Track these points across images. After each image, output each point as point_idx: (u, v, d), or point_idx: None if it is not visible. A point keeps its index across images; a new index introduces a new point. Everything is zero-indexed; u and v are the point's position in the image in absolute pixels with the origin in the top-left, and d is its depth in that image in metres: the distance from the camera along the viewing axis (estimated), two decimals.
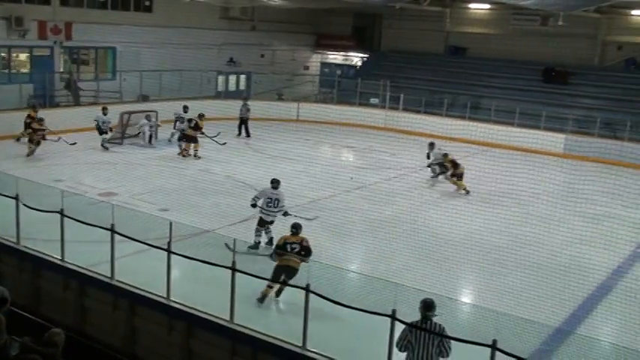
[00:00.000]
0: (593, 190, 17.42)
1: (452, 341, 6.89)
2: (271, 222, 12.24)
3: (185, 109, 21.98)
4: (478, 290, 11.45)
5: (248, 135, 24.57)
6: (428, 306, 6.88)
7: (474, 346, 6.70)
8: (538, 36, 30.83)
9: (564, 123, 26.20)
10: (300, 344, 7.82)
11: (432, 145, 19.40)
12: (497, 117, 27.48)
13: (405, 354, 7.00)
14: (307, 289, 7.70)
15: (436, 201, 16.72)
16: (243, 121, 24.81)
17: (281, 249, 9.75)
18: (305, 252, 9.66)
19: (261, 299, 9.49)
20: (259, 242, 12.11)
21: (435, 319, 6.92)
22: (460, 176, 17.76)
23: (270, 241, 12.01)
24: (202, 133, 20.29)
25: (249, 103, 25.44)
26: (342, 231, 13.73)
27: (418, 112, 28.84)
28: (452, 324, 7.20)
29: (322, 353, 7.68)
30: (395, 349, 7.10)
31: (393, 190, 17.43)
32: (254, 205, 12.30)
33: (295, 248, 9.68)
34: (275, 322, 9.42)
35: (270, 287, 9.47)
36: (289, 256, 9.56)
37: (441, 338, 6.79)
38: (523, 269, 11.87)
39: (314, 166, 18.27)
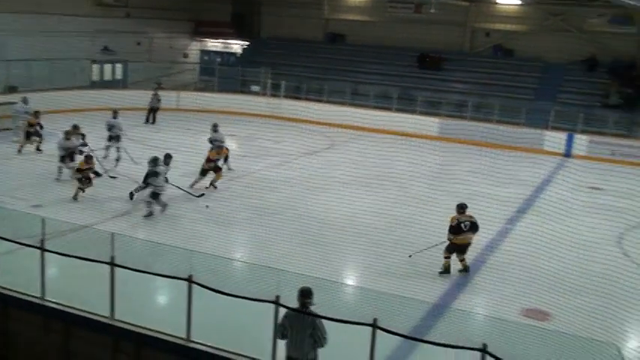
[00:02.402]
0: (466, 170, 18.30)
1: (336, 323, 7.02)
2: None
3: (26, 100, 20.39)
4: (360, 271, 11.77)
5: (154, 122, 25.57)
6: (304, 294, 6.94)
7: (357, 327, 6.86)
8: (412, 23, 31.85)
9: (438, 107, 27.31)
10: (185, 336, 7.73)
11: (215, 126, 18.71)
12: (376, 102, 28.23)
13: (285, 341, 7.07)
14: (190, 280, 7.61)
15: (318, 187, 16.94)
16: (153, 110, 25.51)
17: (457, 229, 11.28)
18: (476, 227, 11.40)
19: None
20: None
21: (316, 304, 6.99)
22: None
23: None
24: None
25: (160, 92, 25.79)
26: (225, 220, 13.67)
27: (300, 98, 29.09)
28: (334, 306, 7.35)
29: (207, 343, 7.63)
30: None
31: (275, 177, 17.51)
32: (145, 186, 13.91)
33: (467, 225, 11.32)
34: (159, 315, 9.25)
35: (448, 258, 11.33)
36: (466, 235, 11.32)
37: (313, 327, 6.81)
38: (402, 249, 12.29)
39: (195, 156, 17.96)
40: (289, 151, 20.38)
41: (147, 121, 25.58)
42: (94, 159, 15.49)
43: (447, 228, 11.58)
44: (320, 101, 28.79)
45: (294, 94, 29.39)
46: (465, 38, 32.10)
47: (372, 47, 32.34)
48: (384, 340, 6.84)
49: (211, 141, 18.06)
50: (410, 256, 11.87)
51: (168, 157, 14.82)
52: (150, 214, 13.67)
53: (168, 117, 25.71)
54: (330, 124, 26.73)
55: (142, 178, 14.33)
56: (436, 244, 11.80)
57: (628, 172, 17.96)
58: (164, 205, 13.93)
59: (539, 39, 29.86)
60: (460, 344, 6.17)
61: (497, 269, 11.83)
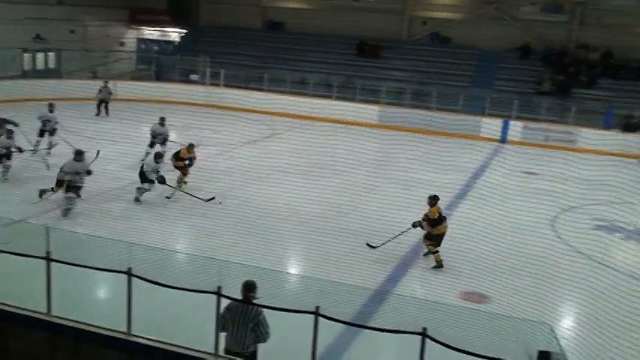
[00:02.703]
0: (405, 157, 18.54)
1: (279, 312, 7.02)
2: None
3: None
4: (302, 260, 11.82)
5: (107, 114, 24.78)
6: (248, 287, 6.92)
7: (300, 315, 6.88)
8: (351, 11, 32.00)
9: (378, 95, 27.56)
10: (125, 330, 7.60)
11: (162, 120, 17.98)
12: (316, 90, 28.28)
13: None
14: (129, 273, 7.48)
15: (259, 176, 16.88)
16: (104, 102, 24.82)
17: (439, 220, 11.62)
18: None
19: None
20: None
21: (260, 297, 6.97)
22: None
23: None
24: None
25: (110, 85, 25.13)
26: (165, 212, 13.49)
27: (240, 87, 28.88)
28: (277, 296, 7.35)
29: (148, 337, 7.53)
30: None
31: (215, 167, 17.36)
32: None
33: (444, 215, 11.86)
34: (98, 310, 9.08)
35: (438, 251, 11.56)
36: (443, 224, 11.72)
37: (256, 322, 6.79)
38: (344, 236, 12.39)
39: (134, 147, 17.64)
40: (229, 141, 20.22)
41: (98, 113, 24.71)
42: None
43: (422, 220, 11.77)
44: (260, 90, 28.65)
45: (235, 82, 29.15)
46: (402, 26, 32.44)
47: (311, 35, 32.35)
48: (327, 328, 6.89)
49: (155, 135, 17.66)
50: (375, 247, 11.98)
51: (159, 157, 14.32)
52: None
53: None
54: (270, 113, 26.64)
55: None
56: (402, 232, 11.93)
57: (560, 156, 18.53)
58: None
59: (475, 27, 30.47)
60: (401, 329, 6.27)
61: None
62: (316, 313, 6.62)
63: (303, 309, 6.87)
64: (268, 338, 6.88)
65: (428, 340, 6.27)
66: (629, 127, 24.89)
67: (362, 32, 31.65)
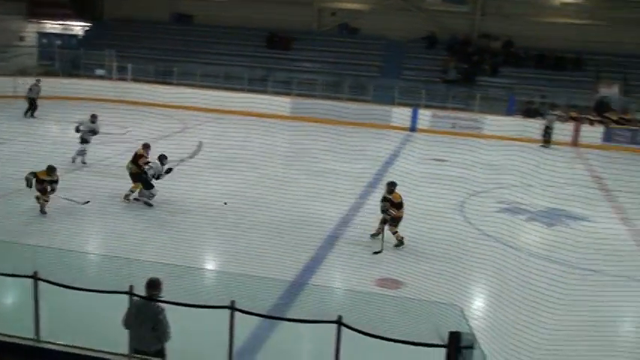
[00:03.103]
0: (318, 148, 18.70)
1: (193, 309, 6.95)
2: None
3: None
4: (218, 255, 11.73)
5: (33, 115, 23.47)
6: (150, 285, 6.79)
7: (216, 311, 6.83)
8: (261, 3, 31.85)
9: (290, 87, 27.62)
10: (34, 337, 7.34)
11: (93, 117, 17.46)
12: (228, 84, 28.03)
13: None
14: (35, 277, 7.21)
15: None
16: (34, 100, 23.67)
17: (400, 204, 12.04)
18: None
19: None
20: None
21: (164, 296, 6.81)
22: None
23: None
24: None
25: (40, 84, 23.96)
26: (73, 211, 13.05)
27: (149, 82, 28.25)
28: (191, 292, 7.28)
29: (57, 342, 7.29)
30: None
31: (124, 163, 16.92)
32: None
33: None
34: (4, 318, 8.71)
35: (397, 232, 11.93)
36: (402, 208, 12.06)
37: (156, 322, 6.64)
38: (259, 229, 12.39)
39: (38, 146, 16.96)
40: (138, 136, 19.72)
41: (26, 113, 23.45)
42: None
43: (388, 205, 12.05)
44: (170, 84, 28.13)
45: (143, 77, 28.47)
46: (312, 17, 32.59)
47: (221, 28, 32.01)
48: (244, 322, 6.89)
49: (86, 130, 17.01)
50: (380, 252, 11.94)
51: (164, 158, 13.92)
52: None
53: (5, 105, 24.00)
54: (181, 107, 26.22)
55: None
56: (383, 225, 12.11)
57: (467, 143, 19.18)
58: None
59: (383, 18, 30.99)
60: (317, 319, 6.34)
61: (352, 243, 12.25)
62: (231, 308, 6.59)
63: (219, 304, 6.84)
64: (169, 338, 6.73)
65: (346, 329, 6.39)
66: (529, 112, 26.04)
67: (272, 24, 31.58)
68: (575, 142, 25.16)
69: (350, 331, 6.21)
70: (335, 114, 24.00)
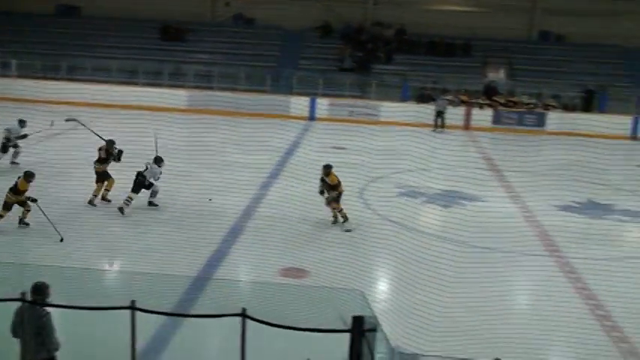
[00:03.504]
0: (218, 141, 18.49)
1: (94, 312, 6.72)
2: None
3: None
4: (119, 255, 11.39)
5: None
6: (34, 290, 6.48)
7: (118, 313, 6.64)
8: None
9: (185, 79, 27.14)
10: None
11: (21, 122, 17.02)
12: (121, 77, 27.20)
13: None
14: None
15: (64, 171, 15.94)
16: None
17: (338, 182, 12.52)
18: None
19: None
20: None
21: (52, 300, 6.53)
22: None
23: None
24: None
25: None
26: None
27: (36, 77, 26.93)
28: (91, 295, 7.06)
29: None
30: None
31: (8, 164, 16.17)
32: None
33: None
34: None
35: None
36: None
37: (39, 325, 6.35)
38: (161, 226, 12.15)
39: None
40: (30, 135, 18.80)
41: None
42: None
43: (326, 186, 12.38)
44: (58, 79, 26.93)
45: (29, 73, 27.12)
46: (205, 8, 32.12)
47: (111, 19, 30.92)
48: (147, 323, 6.75)
49: (12, 137, 16.35)
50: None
51: (160, 160, 13.61)
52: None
53: None
54: (71, 103, 25.17)
55: None
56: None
57: (365, 130, 19.54)
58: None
59: (277, 7, 30.93)
60: (222, 313, 6.30)
61: (255, 234, 12.23)
62: (132, 308, 6.44)
63: (119, 305, 6.66)
64: (58, 346, 6.43)
65: (254, 321, 6.37)
66: (422, 98, 26.83)
67: (165, 15, 30.86)
68: (466, 126, 26.16)
69: (257, 323, 6.22)
70: (232, 105, 23.80)
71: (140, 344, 6.52)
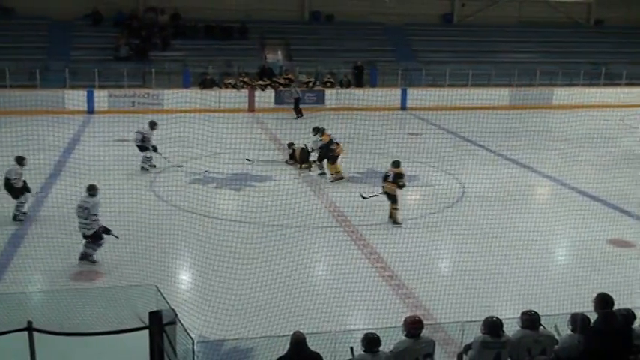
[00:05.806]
0: None
1: None
2: None
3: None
4: None
5: None
6: None
7: None
8: None
9: None
10: None
11: None
12: None
13: None
14: None
15: None
16: None
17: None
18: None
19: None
20: None
21: None
22: None
23: None
24: None
25: None
26: None
27: None
28: None
29: None
30: None
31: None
32: None
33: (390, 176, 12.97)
34: None
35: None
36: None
37: None
38: None
39: None
40: None
41: None
42: None
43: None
44: None
45: None
46: None
47: None
48: None
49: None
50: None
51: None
52: None
53: None
54: None
55: None
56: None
57: (150, 119, 18.92)
58: None
59: None
60: (5, 330, 5.81)
61: (39, 239, 11.34)
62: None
63: None
64: None
65: (43, 333, 5.96)
66: (205, 83, 26.71)
67: None
68: (251, 108, 26.49)
69: (49, 335, 5.83)
70: None
71: None
